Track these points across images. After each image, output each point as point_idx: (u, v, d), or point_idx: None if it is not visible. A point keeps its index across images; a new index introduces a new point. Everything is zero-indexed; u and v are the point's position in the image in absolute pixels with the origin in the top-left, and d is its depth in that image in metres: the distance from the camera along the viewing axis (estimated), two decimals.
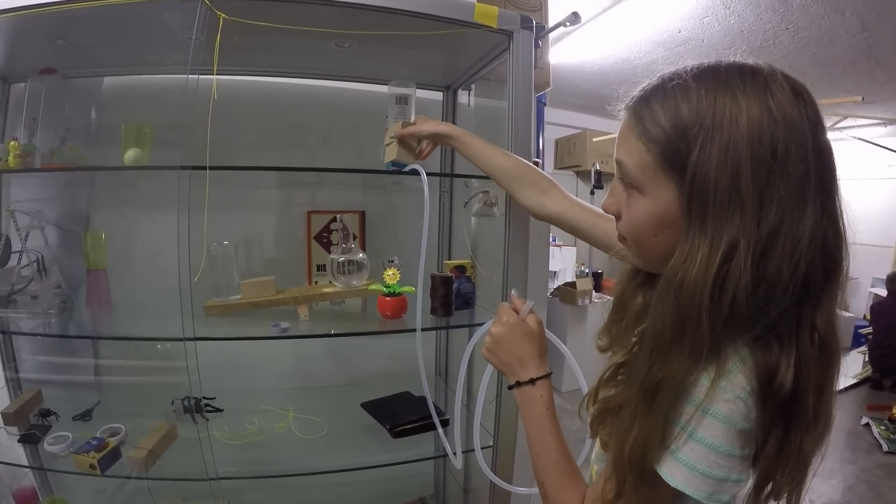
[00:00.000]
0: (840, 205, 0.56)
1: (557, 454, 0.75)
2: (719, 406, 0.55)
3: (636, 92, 0.61)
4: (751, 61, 0.56)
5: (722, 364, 0.55)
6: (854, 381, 4.45)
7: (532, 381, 0.80)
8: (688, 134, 0.54)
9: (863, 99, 3.50)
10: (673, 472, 0.57)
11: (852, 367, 4.72)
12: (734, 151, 0.51)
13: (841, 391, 4.21)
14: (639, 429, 0.58)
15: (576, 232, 1.07)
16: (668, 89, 0.56)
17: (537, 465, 0.77)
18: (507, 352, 0.83)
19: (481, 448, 1.52)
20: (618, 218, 0.66)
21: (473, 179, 1.65)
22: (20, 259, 1.50)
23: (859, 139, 4.65)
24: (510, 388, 0.82)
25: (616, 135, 0.64)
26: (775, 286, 0.53)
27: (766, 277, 0.53)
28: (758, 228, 0.52)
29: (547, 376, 0.81)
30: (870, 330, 4.72)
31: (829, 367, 0.57)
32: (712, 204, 0.53)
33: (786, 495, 0.60)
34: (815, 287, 0.55)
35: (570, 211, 1.07)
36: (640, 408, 0.59)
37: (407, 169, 1.31)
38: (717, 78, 0.55)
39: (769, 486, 0.60)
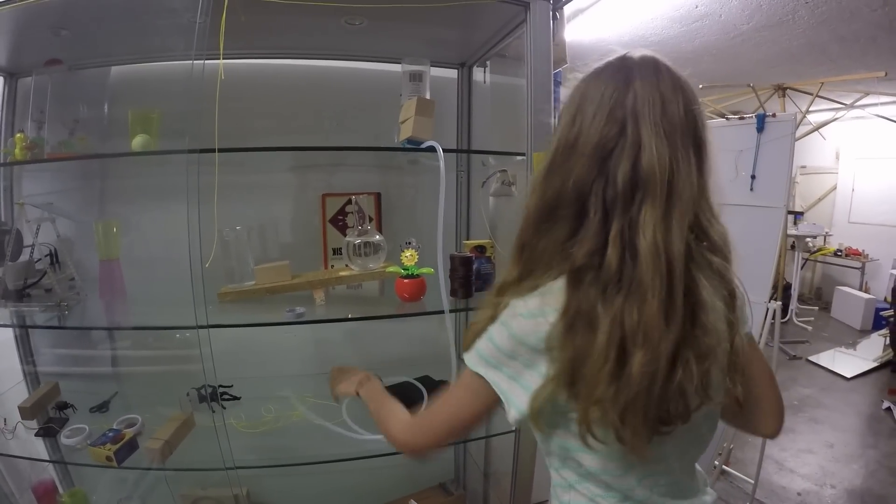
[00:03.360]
0: (660, 134, 0.65)
1: (384, 409, 0.98)
2: (505, 316, 0.71)
3: None
4: (635, 54, 0.72)
5: (527, 289, 0.70)
6: (875, 364, 4.36)
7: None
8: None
9: (886, 74, 3.39)
10: (469, 356, 0.75)
11: (873, 350, 4.62)
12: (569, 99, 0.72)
13: (861, 375, 4.13)
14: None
15: None
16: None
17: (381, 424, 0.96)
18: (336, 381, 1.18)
19: (504, 433, 1.52)
20: None
21: (490, 157, 1.61)
22: (32, 253, 1.49)
23: (880, 117, 4.53)
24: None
25: None
26: (577, 187, 0.67)
27: (571, 177, 0.67)
28: (564, 137, 0.68)
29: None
30: (891, 312, 4.63)
31: (641, 286, 0.63)
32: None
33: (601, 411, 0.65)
34: (626, 203, 0.64)
35: None
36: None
37: (424, 146, 1.27)
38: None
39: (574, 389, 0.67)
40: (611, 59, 0.72)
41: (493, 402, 0.74)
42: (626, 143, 0.64)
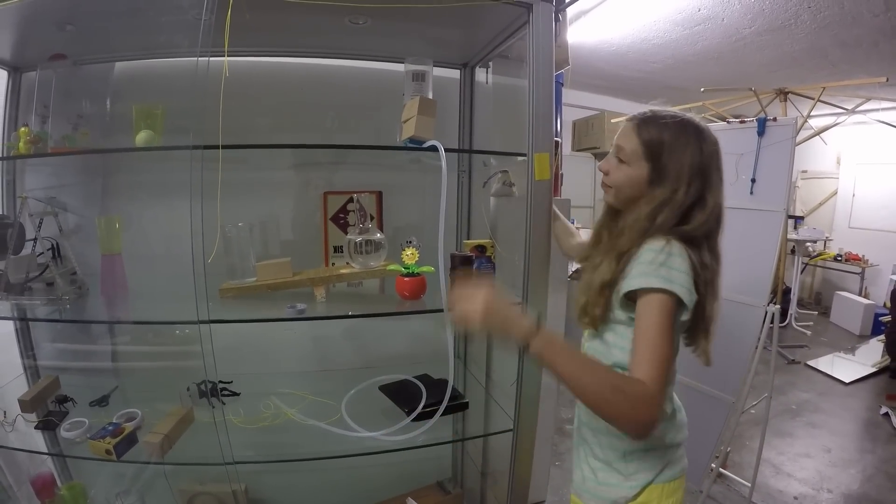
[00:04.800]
0: (722, 188, 1.05)
1: (599, 375, 0.90)
2: (674, 259, 0.95)
3: (643, 113, 1.07)
4: (697, 119, 1.06)
5: (671, 244, 0.97)
6: (873, 369, 4.36)
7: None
8: (662, 146, 1.03)
9: (887, 80, 3.39)
10: (679, 291, 0.93)
11: (872, 355, 4.62)
12: (680, 161, 1.01)
13: (859, 380, 4.13)
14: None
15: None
16: (660, 119, 1.04)
17: (586, 397, 0.90)
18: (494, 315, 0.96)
19: (501, 432, 1.53)
20: (606, 174, 1.11)
21: (492, 158, 1.62)
22: (34, 246, 1.49)
23: (882, 122, 4.53)
24: (526, 351, 0.93)
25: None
26: (691, 218, 1.01)
27: (688, 218, 1.01)
28: (684, 197, 1.00)
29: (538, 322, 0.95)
30: (890, 318, 4.63)
31: (718, 272, 1.04)
32: (665, 180, 1.02)
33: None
34: (712, 233, 1.03)
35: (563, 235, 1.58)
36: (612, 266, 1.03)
37: (426, 145, 1.28)
38: (683, 125, 1.04)
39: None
40: (701, 125, 1.05)
41: None
42: (720, 192, 1.04)
